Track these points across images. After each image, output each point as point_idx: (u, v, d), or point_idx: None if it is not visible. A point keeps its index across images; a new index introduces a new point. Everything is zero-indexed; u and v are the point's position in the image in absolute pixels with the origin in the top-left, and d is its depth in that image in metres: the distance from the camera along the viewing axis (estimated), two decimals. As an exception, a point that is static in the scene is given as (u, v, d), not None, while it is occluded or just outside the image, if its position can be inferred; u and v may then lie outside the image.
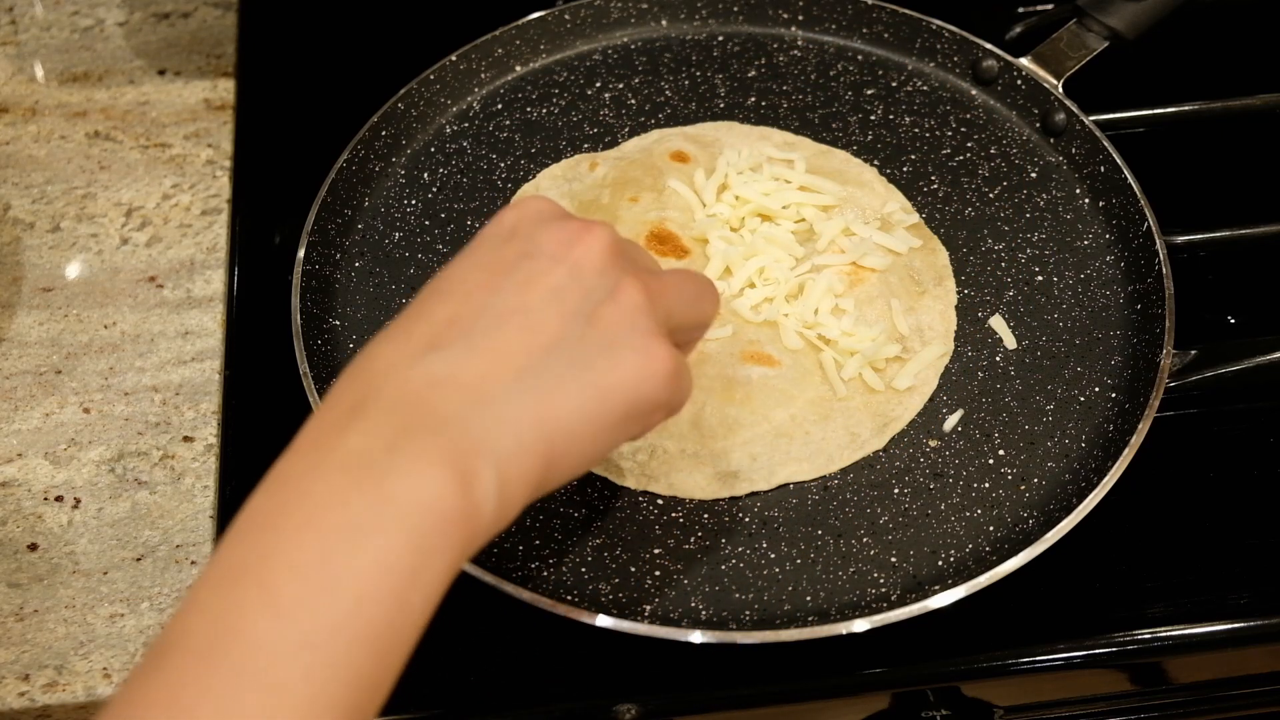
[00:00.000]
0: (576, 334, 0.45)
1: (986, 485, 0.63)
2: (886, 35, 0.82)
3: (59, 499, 0.65)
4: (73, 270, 0.75)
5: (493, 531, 0.42)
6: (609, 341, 0.45)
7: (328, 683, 0.37)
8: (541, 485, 0.44)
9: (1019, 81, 0.79)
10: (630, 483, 0.63)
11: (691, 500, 0.62)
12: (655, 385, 0.46)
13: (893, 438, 0.65)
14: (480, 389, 0.42)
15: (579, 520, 0.61)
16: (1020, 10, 0.89)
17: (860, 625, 0.56)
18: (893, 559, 0.60)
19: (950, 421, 0.65)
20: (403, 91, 0.77)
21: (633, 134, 0.79)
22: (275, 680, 0.36)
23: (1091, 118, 0.76)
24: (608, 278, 0.46)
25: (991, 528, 0.61)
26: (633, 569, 0.59)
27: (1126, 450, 0.61)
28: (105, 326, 0.72)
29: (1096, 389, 0.66)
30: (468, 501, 0.40)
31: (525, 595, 0.56)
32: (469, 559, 0.42)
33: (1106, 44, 0.79)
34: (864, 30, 0.83)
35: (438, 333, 0.44)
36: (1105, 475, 0.60)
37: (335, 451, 0.40)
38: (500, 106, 0.80)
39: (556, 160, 0.77)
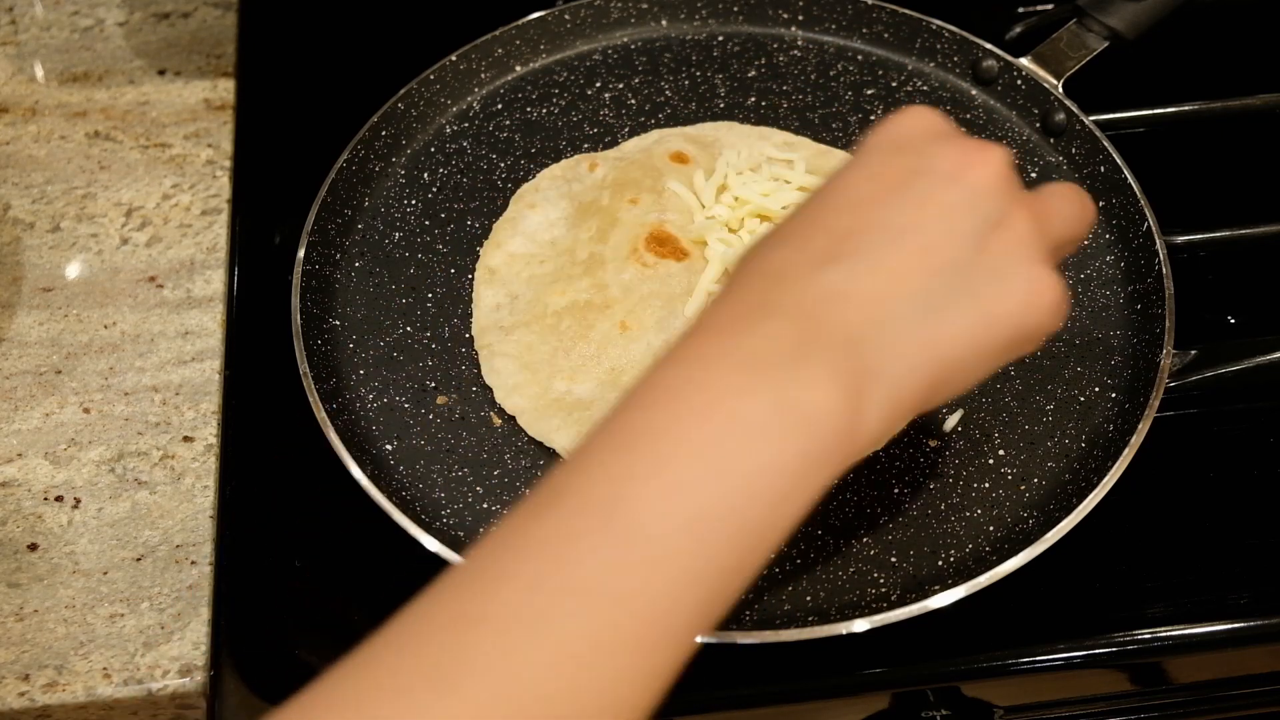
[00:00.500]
0: (967, 258, 0.44)
1: (986, 485, 0.63)
2: (886, 35, 0.82)
3: (59, 499, 0.65)
4: (73, 270, 0.75)
5: (867, 452, 0.44)
6: (999, 269, 0.45)
7: (702, 565, 0.38)
8: (919, 409, 0.45)
9: (1019, 81, 0.79)
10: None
11: (691, 500, 0.62)
12: (1041, 315, 0.46)
13: (892, 438, 0.65)
14: (877, 308, 0.42)
15: (579, 520, 0.61)
16: (1020, 10, 0.89)
17: (860, 625, 0.56)
18: (893, 559, 0.60)
19: (950, 421, 0.65)
20: (403, 91, 0.77)
21: (633, 134, 0.79)
22: (658, 551, 0.37)
23: (1091, 118, 0.76)
24: (1000, 202, 0.45)
25: (991, 528, 0.61)
26: (633, 569, 0.59)
27: (1126, 450, 0.61)
28: (105, 326, 0.72)
29: (1096, 389, 0.66)
30: (856, 421, 0.41)
31: (525, 595, 0.56)
32: (839, 476, 0.42)
33: (1106, 44, 0.79)
34: (864, 30, 0.83)
35: (834, 244, 0.44)
36: (1105, 475, 0.60)
37: (739, 347, 0.41)
38: (500, 106, 0.80)
39: (556, 160, 0.77)
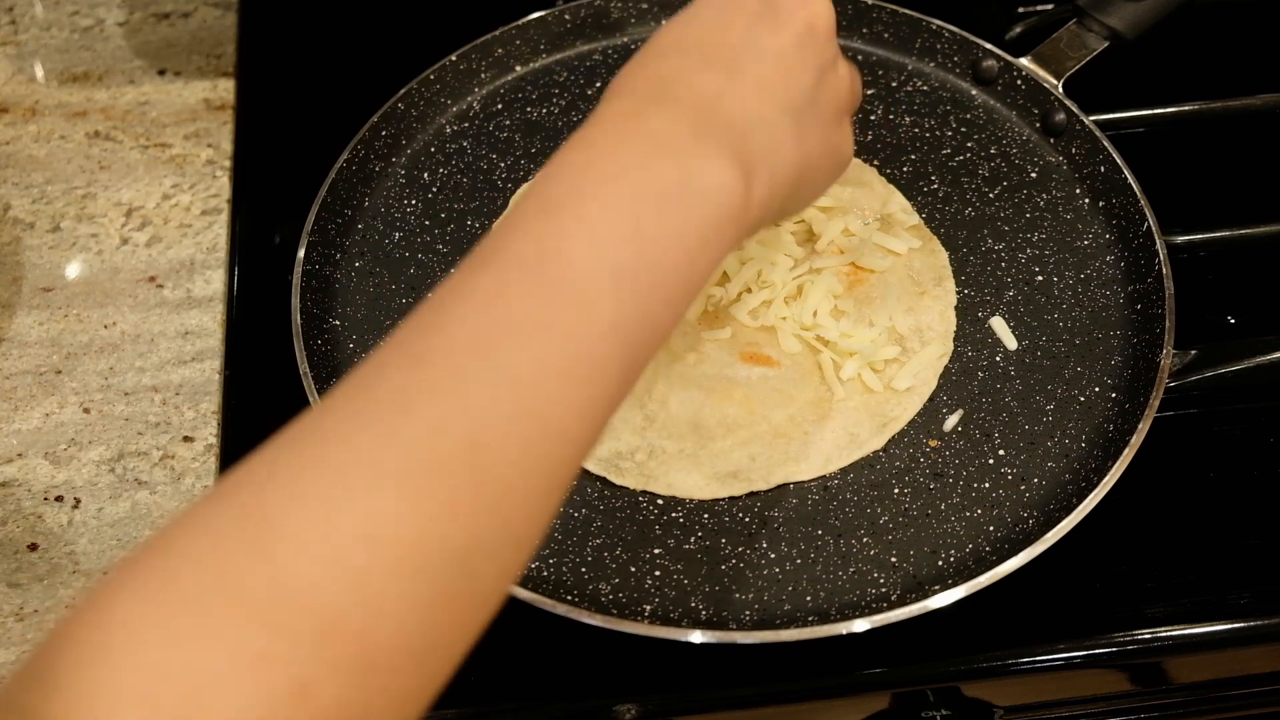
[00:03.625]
0: (814, 90, 0.51)
1: (986, 485, 0.63)
2: (886, 35, 0.82)
3: (59, 499, 0.65)
4: (73, 270, 0.75)
5: (753, 232, 0.48)
6: (834, 107, 0.53)
7: (628, 310, 0.42)
8: (785, 208, 0.51)
9: (1019, 81, 0.79)
10: (629, 482, 0.63)
11: (691, 500, 0.62)
12: (849, 157, 0.55)
13: (892, 438, 0.65)
14: (755, 107, 0.48)
15: (579, 520, 0.61)
16: (1020, 10, 0.89)
17: (860, 625, 0.56)
18: (893, 559, 0.60)
19: (950, 421, 0.65)
20: (403, 91, 0.77)
21: (633, 134, 0.79)
22: (588, 298, 0.41)
23: (1091, 118, 0.76)
24: (832, 45, 0.53)
25: (991, 528, 0.61)
26: (633, 569, 0.59)
27: (1126, 450, 0.61)
28: (105, 326, 0.72)
29: (1096, 389, 0.66)
30: (748, 201, 0.46)
31: (525, 595, 0.56)
32: (730, 251, 0.47)
33: (1106, 44, 0.79)
34: (864, 30, 0.83)
35: (710, 56, 0.49)
36: (1105, 475, 0.60)
37: (640, 128, 0.45)
38: (500, 106, 0.80)
39: (556, 160, 0.77)
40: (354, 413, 0.38)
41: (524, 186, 0.76)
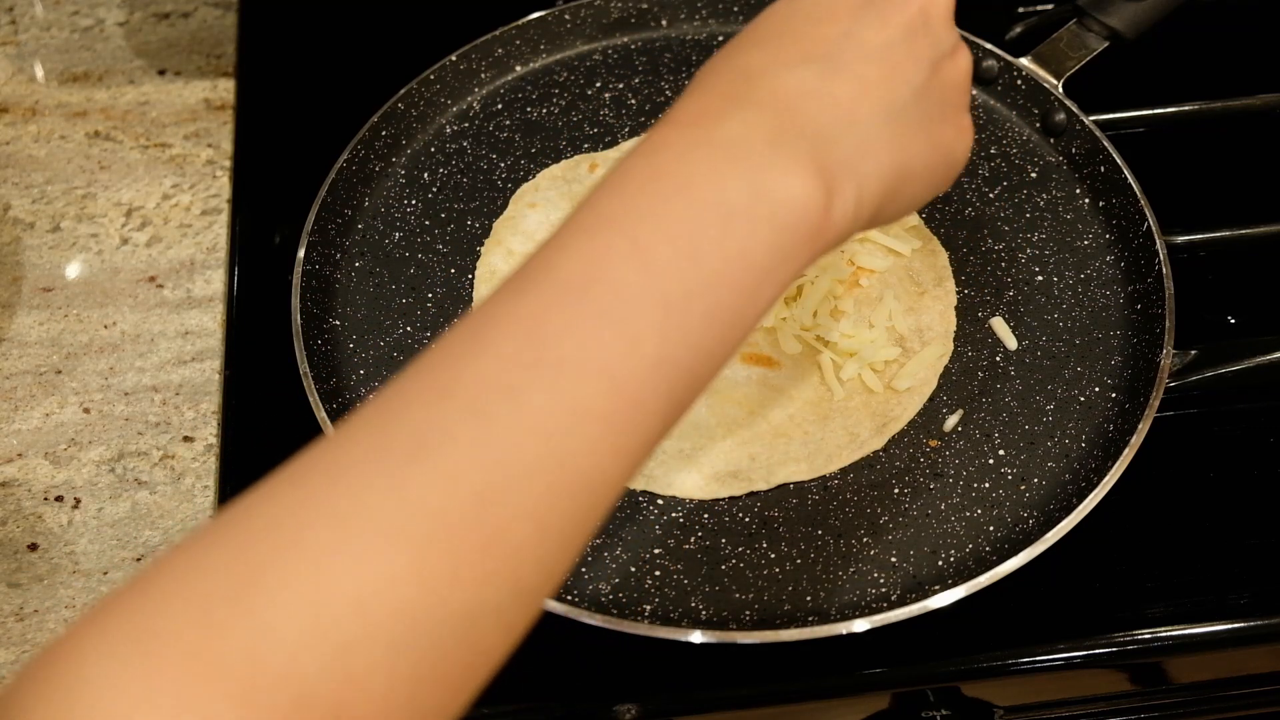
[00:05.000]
0: (923, 85, 0.46)
1: (986, 485, 0.63)
2: (886, 35, 0.82)
3: (59, 499, 0.65)
4: (73, 270, 0.75)
5: (833, 247, 0.44)
6: (947, 100, 0.48)
7: (676, 344, 0.38)
8: (875, 219, 0.46)
9: (1019, 81, 0.79)
10: (629, 483, 0.63)
11: (691, 500, 0.62)
12: (965, 154, 0.49)
13: (892, 438, 0.65)
14: (849, 110, 0.44)
15: (579, 520, 0.61)
16: (1020, 10, 0.89)
17: (860, 625, 0.56)
18: (893, 559, 0.60)
19: (950, 421, 0.65)
20: (403, 91, 0.77)
21: (633, 134, 0.79)
22: (633, 330, 0.38)
23: (1091, 118, 0.76)
24: (950, 31, 0.48)
25: (991, 528, 0.61)
26: (633, 569, 0.59)
27: (1126, 450, 0.61)
28: (105, 326, 0.72)
29: (1096, 389, 0.66)
30: (828, 216, 0.42)
31: (525, 595, 0.56)
32: (805, 270, 0.43)
33: (1106, 44, 0.79)
34: (864, 30, 0.83)
35: (808, 49, 0.45)
36: (1105, 475, 0.60)
37: (714, 132, 0.41)
38: (500, 106, 0.80)
39: (556, 160, 0.77)
40: (364, 454, 0.35)
41: (525, 186, 0.76)
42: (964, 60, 0.49)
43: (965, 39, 0.79)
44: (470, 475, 0.35)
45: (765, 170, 0.41)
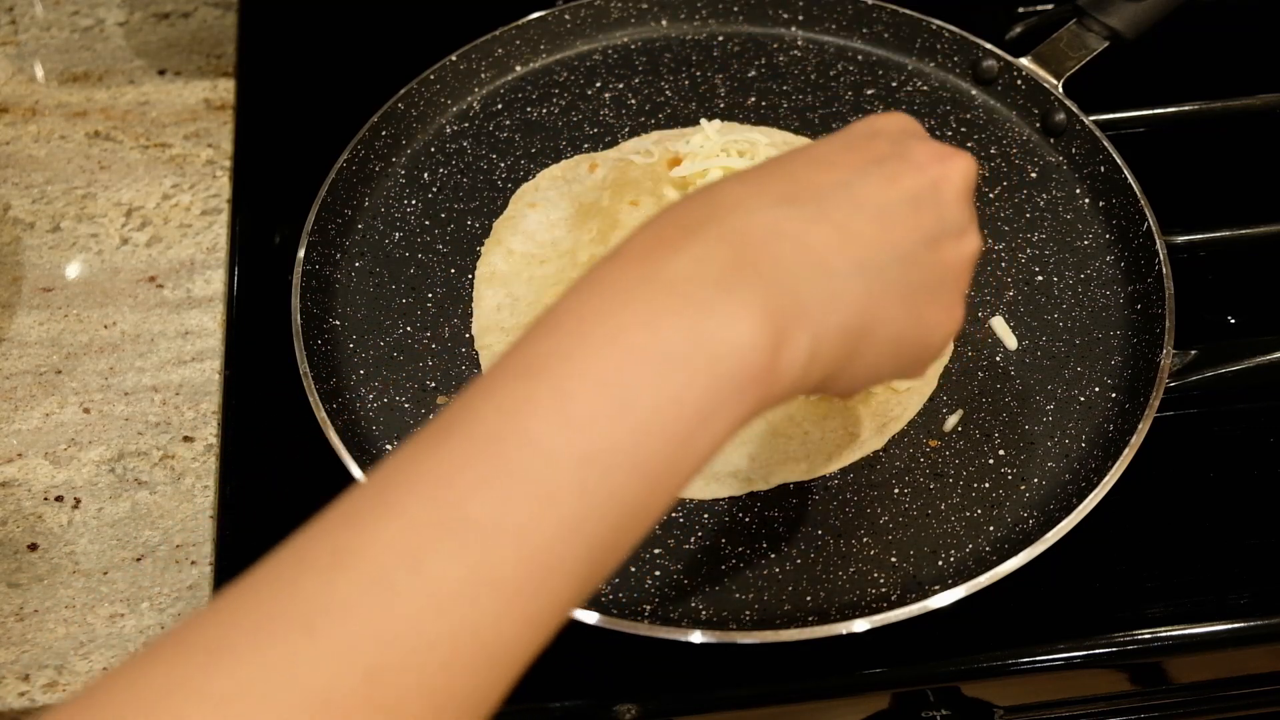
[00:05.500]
0: (916, 254, 0.44)
1: (986, 485, 0.63)
2: (886, 35, 0.82)
3: (59, 499, 0.65)
4: (73, 270, 0.75)
5: (780, 401, 0.41)
6: (942, 281, 0.45)
7: (597, 504, 0.36)
8: (827, 381, 0.43)
9: (1019, 81, 0.79)
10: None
11: (691, 500, 0.62)
12: (943, 342, 0.46)
13: (892, 438, 0.65)
14: (822, 257, 0.41)
15: (579, 520, 0.61)
16: (1020, 10, 0.89)
17: (860, 625, 0.56)
18: (893, 559, 0.60)
19: (950, 421, 0.65)
20: (403, 91, 0.77)
21: (633, 134, 0.79)
22: (549, 490, 0.35)
23: (1091, 118, 0.76)
24: (962, 212, 0.46)
25: (991, 528, 0.61)
26: (633, 569, 0.59)
27: (1126, 450, 0.61)
28: (105, 326, 0.72)
29: (1096, 389, 0.66)
30: (775, 364, 0.39)
31: (525, 595, 0.56)
32: (749, 422, 0.40)
33: (1106, 44, 0.79)
34: (864, 30, 0.83)
35: (794, 190, 0.42)
36: (1105, 475, 0.60)
37: (659, 273, 0.39)
38: (500, 106, 0.80)
39: (556, 160, 0.77)
40: (251, 630, 0.33)
41: (525, 186, 0.76)
42: (970, 244, 0.47)
43: (966, 39, 0.80)
44: (364, 651, 0.33)
45: (709, 313, 0.38)
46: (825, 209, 0.42)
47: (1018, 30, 0.87)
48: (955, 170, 0.46)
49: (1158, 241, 0.69)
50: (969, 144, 0.78)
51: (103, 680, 0.32)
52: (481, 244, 0.73)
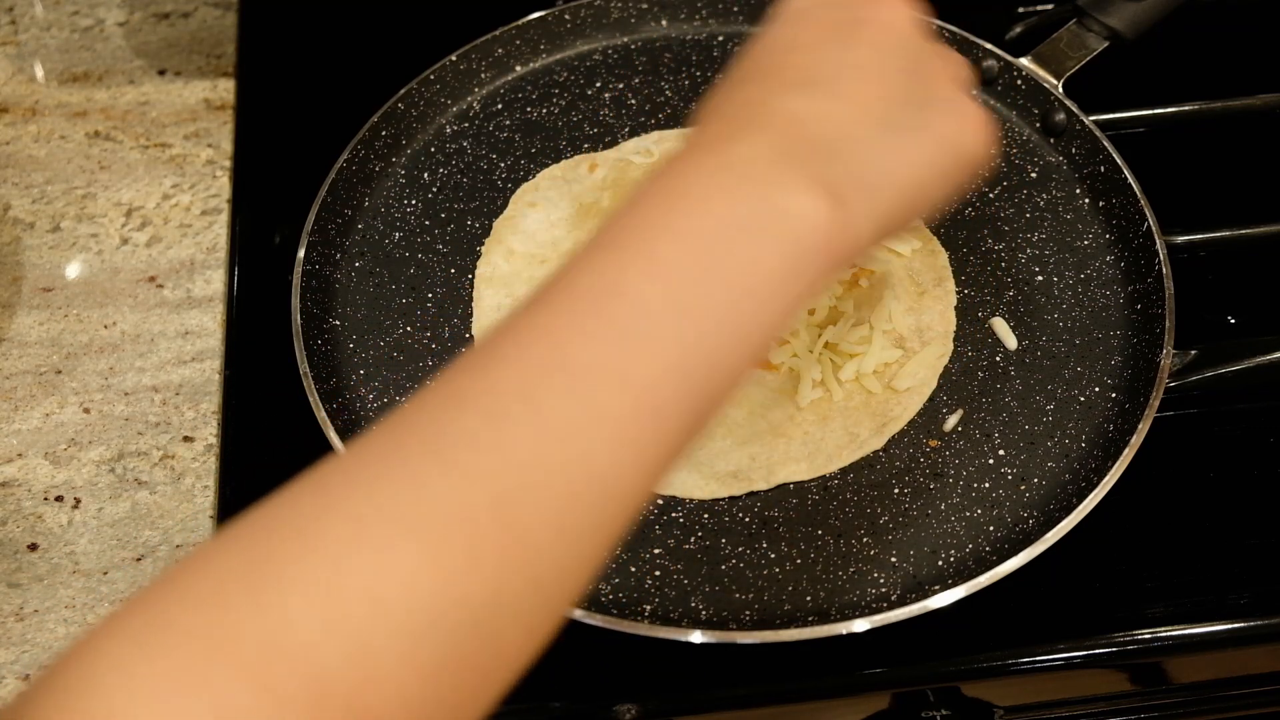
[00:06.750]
0: (912, 90, 0.47)
1: (986, 485, 0.63)
2: (886, 35, 0.82)
3: (59, 499, 0.65)
4: (73, 270, 0.75)
5: (850, 261, 0.44)
6: (943, 99, 0.49)
7: (692, 352, 0.39)
8: (893, 225, 0.46)
9: (1019, 81, 0.79)
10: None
11: (691, 500, 0.62)
12: (980, 139, 0.49)
13: (892, 438, 0.65)
14: (849, 127, 0.45)
15: (579, 520, 0.61)
16: (1020, 10, 0.89)
17: (860, 625, 0.56)
18: (893, 559, 0.60)
19: (950, 421, 0.65)
20: (403, 91, 0.77)
21: (633, 134, 0.79)
22: (647, 337, 0.38)
23: (1091, 118, 0.76)
24: (915, 39, 0.50)
25: (991, 528, 0.61)
26: (633, 569, 0.59)
27: (1126, 450, 0.61)
28: (105, 326, 0.72)
29: (1096, 389, 0.66)
30: (839, 227, 0.42)
31: (525, 595, 0.56)
32: (825, 284, 0.44)
33: (1106, 44, 0.79)
34: (864, 30, 0.83)
35: (795, 77, 0.46)
36: (1105, 475, 0.60)
37: (725, 155, 0.43)
38: (500, 106, 0.80)
39: (556, 160, 0.77)
40: (381, 457, 0.36)
41: (524, 186, 0.76)
42: (942, 57, 0.50)
43: (966, 39, 0.80)
44: (489, 477, 0.35)
45: (772, 187, 0.42)
46: (831, 87, 0.46)
47: (1018, 30, 0.87)
48: (897, 15, 0.50)
49: (1158, 241, 0.69)
50: (969, 144, 0.77)
51: (249, 512, 0.35)
52: (482, 244, 0.73)
